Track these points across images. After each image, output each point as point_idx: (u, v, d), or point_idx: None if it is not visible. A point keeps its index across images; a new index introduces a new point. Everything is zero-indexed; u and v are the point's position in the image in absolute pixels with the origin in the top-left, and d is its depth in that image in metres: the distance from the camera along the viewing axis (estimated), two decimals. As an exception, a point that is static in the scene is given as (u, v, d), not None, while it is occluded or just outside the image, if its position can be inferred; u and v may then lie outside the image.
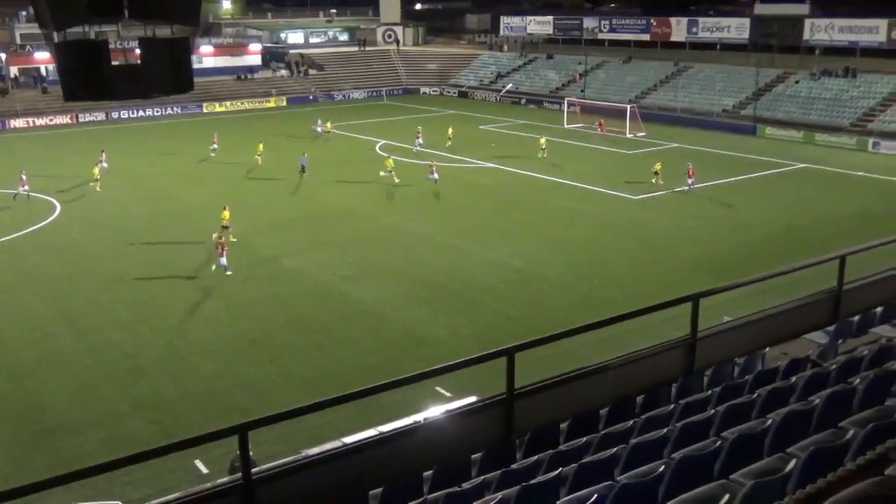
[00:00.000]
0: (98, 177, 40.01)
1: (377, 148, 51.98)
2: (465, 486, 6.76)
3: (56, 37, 8.48)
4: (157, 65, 8.71)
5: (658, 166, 40.36)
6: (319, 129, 55.74)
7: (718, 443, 6.28)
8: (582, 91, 69.58)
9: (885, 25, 58.66)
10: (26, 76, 71.29)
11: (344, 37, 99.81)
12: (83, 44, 8.39)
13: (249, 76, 79.16)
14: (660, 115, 61.64)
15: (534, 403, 7.89)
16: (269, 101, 74.96)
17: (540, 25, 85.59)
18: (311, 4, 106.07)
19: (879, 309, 11.05)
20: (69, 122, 64.94)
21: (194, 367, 21.13)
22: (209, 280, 27.33)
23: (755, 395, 7.66)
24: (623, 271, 27.96)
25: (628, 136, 55.33)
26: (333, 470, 6.90)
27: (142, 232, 33.05)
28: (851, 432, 5.71)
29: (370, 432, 8.11)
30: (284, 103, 75.55)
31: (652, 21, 74.90)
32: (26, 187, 37.83)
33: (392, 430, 7.51)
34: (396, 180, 40.33)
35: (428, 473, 7.18)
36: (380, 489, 6.84)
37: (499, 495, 6.18)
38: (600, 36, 78.89)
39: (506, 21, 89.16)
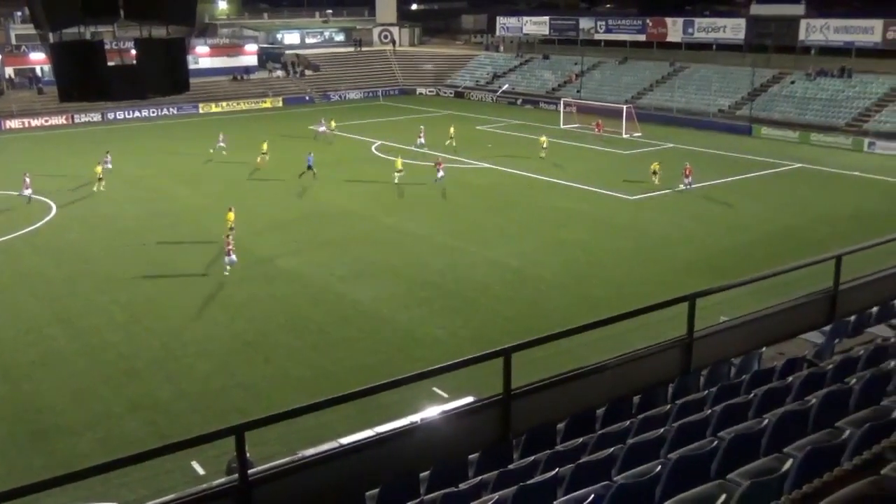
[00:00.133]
0: (101, 176, 40.06)
1: (373, 148, 51.98)
2: (463, 486, 6.76)
3: (51, 37, 8.48)
4: (152, 65, 8.71)
5: (656, 166, 40.42)
6: (322, 129, 55.61)
7: (715, 443, 6.29)
8: (578, 91, 69.63)
9: (880, 26, 58.81)
10: (22, 77, 71.13)
11: (340, 37, 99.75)
12: (79, 44, 8.39)
13: (245, 77, 79.06)
14: (656, 115, 61.69)
15: (531, 404, 7.88)
16: (265, 102, 74.88)
17: (536, 26, 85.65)
18: (307, 5, 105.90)
19: (875, 309, 11.08)
20: (65, 122, 64.82)
21: (190, 368, 21.10)
22: (206, 281, 27.30)
23: (752, 395, 7.67)
24: (620, 271, 28.00)
25: (624, 136, 55.38)
26: (330, 471, 6.89)
27: (140, 232, 32.98)
28: (848, 432, 5.72)
29: (367, 433, 8.12)
30: (281, 104, 75.48)
31: (648, 21, 75.00)
32: (29, 190, 37.78)
33: (389, 431, 7.51)
34: (396, 180, 40.51)
35: (425, 474, 7.18)
36: (377, 490, 6.83)
37: (496, 496, 6.18)
38: (596, 36, 78.97)
39: (502, 21, 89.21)
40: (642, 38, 75.35)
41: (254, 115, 70.64)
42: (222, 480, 7.11)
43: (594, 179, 41.62)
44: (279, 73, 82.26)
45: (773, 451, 5.99)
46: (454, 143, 49.66)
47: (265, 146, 45.97)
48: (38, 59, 67.74)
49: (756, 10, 68.00)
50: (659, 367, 8.94)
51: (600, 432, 7.76)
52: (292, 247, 31.06)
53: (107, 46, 8.44)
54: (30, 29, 63.71)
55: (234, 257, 27.80)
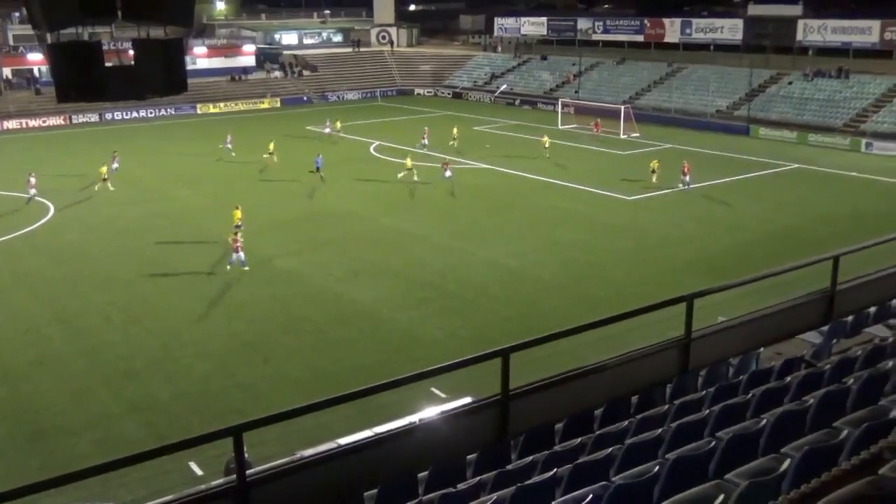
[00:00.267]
0: (106, 177, 40.12)
1: (371, 149, 51.98)
2: (461, 486, 6.76)
3: (49, 38, 8.47)
4: (150, 66, 8.70)
5: (655, 164, 40.53)
6: (327, 130, 55.68)
7: (713, 443, 6.29)
8: (576, 92, 69.65)
9: (877, 26, 58.91)
10: (19, 77, 71.05)
11: (338, 38, 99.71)
12: (76, 45, 8.38)
13: (243, 77, 79.04)
14: (653, 115, 61.72)
15: (529, 404, 7.88)
16: (263, 103, 74.85)
17: (534, 26, 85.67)
18: (305, 5, 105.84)
19: (873, 309, 11.09)
20: (62, 123, 64.74)
21: (189, 369, 21.09)
22: (205, 281, 27.29)
23: (749, 395, 7.67)
24: (618, 271, 28.01)
25: (622, 136, 55.41)
26: (329, 471, 6.89)
27: (141, 233, 32.96)
28: (845, 432, 5.73)
29: (366, 433, 8.11)
30: (278, 104, 75.45)
31: (645, 22, 75.05)
32: (34, 190, 37.74)
33: (387, 431, 7.51)
34: (401, 175, 40.76)
35: (423, 474, 7.18)
36: (375, 490, 6.83)
37: (494, 496, 6.18)
38: (594, 37, 79.01)
39: (500, 22, 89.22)
40: (640, 38, 75.41)
41: (252, 115, 70.62)
42: (220, 481, 7.10)
43: (592, 180, 41.63)
44: (277, 73, 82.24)
45: (770, 452, 5.99)
46: (457, 144, 49.78)
47: (272, 146, 46.12)
48: (36, 60, 67.64)
49: (753, 10, 68.06)
50: (657, 368, 8.94)
51: (598, 432, 7.76)
52: (291, 247, 31.05)
53: (104, 47, 8.43)
54: (27, 29, 63.72)
55: (242, 255, 27.93)
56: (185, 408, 18.98)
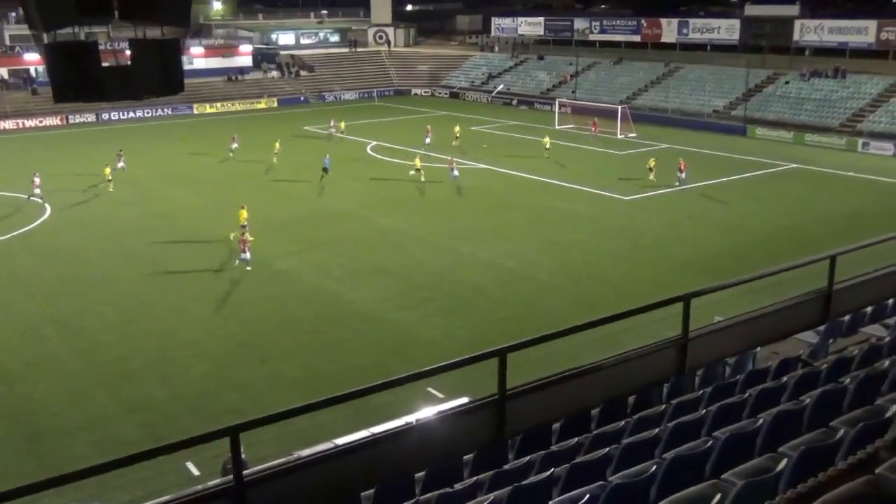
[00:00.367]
0: (110, 177, 40.06)
1: (368, 149, 51.95)
2: (458, 486, 6.76)
3: (45, 38, 8.45)
4: (147, 66, 8.69)
5: (652, 162, 40.64)
6: (333, 130, 55.98)
7: (710, 442, 6.29)
8: (573, 92, 69.71)
9: (874, 26, 59.02)
10: (16, 77, 70.93)
11: (335, 38, 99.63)
12: (73, 45, 8.37)
13: (240, 77, 78.98)
14: (650, 115, 61.78)
15: (526, 404, 7.88)
16: (260, 103, 74.82)
17: (531, 26, 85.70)
18: (302, 5, 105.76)
19: (869, 308, 11.10)
20: (59, 123, 64.66)
21: (185, 369, 21.06)
22: (203, 281, 27.27)
23: (746, 394, 7.68)
24: (615, 271, 28.03)
25: (619, 136, 55.44)
26: (325, 471, 6.89)
27: (137, 233, 32.92)
28: (842, 431, 5.73)
29: (362, 433, 8.08)
30: (275, 104, 75.40)
31: (642, 22, 75.12)
32: (38, 190, 37.68)
33: (384, 432, 7.50)
34: (412, 173, 40.97)
35: (420, 474, 7.18)
36: (372, 490, 6.83)
37: (491, 496, 6.18)
38: (591, 37, 79.07)
39: (497, 22, 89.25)
40: (637, 38, 75.48)
41: (249, 115, 70.55)
42: (217, 481, 7.08)
43: (589, 180, 41.66)
44: (274, 73, 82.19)
45: (767, 451, 5.99)
46: (459, 143, 49.78)
47: (277, 145, 46.31)
48: (33, 60, 67.45)
49: (750, 10, 68.17)
50: (654, 367, 8.94)
51: (595, 432, 7.76)
52: (288, 248, 31.02)
53: (101, 47, 8.42)
54: (24, 29, 63.34)
55: (248, 255, 28.03)
56: (181, 408, 18.95)
